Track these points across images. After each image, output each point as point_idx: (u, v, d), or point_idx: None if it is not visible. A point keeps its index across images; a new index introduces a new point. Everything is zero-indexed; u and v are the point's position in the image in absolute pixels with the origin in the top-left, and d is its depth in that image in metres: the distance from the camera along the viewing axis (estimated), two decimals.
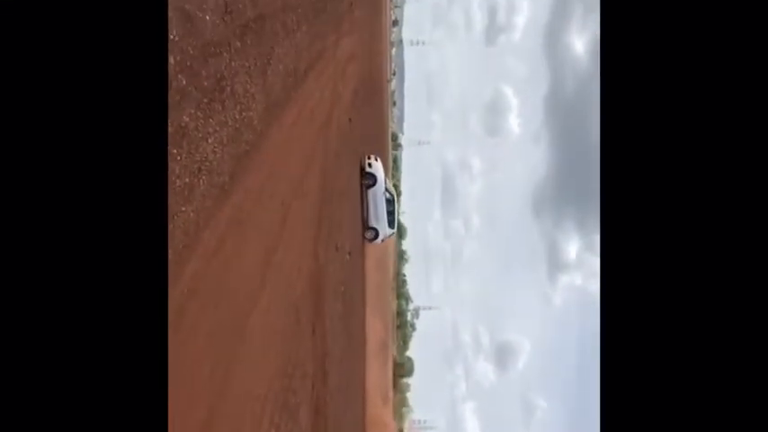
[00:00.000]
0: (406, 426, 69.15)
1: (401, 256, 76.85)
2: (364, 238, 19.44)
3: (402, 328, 73.56)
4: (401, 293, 75.54)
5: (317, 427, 9.77)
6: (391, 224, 19.67)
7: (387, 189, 19.25)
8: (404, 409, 67.70)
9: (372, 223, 19.26)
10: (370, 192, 18.86)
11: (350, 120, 16.32)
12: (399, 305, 73.22)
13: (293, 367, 8.17)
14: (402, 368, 62.90)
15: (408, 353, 76.69)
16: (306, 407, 8.98)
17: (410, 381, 71.14)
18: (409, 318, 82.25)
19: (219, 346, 5.15)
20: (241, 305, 5.90)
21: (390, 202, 19.30)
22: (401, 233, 76.32)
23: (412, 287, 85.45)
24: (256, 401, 6.36)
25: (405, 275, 78.40)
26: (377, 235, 19.62)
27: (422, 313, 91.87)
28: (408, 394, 72.41)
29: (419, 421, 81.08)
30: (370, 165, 18.76)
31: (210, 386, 4.87)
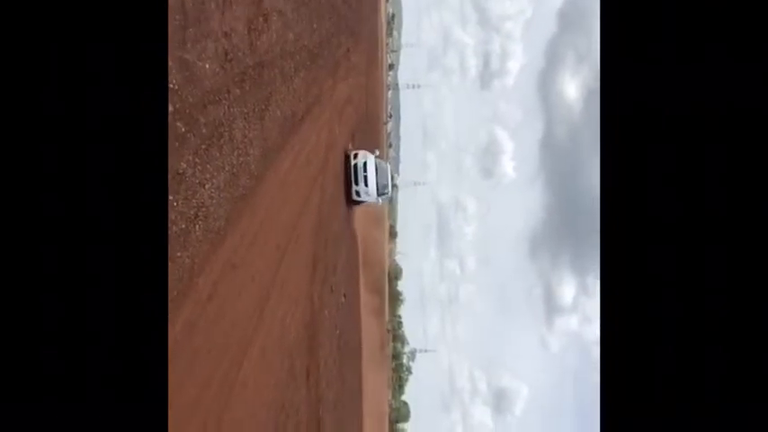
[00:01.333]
0: None
1: (396, 298, 76.25)
2: (350, 195, 17.25)
3: (398, 371, 72.37)
4: (397, 335, 74.62)
5: None
6: (384, 189, 17.67)
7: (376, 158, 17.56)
8: None
9: (353, 186, 17.21)
10: (360, 155, 17.24)
11: (346, 157, 16.54)
12: (395, 348, 72.20)
13: (286, 416, 7.99)
14: (398, 413, 61.58)
15: (404, 397, 75.23)
16: None
17: (406, 426, 69.54)
18: (405, 360, 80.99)
19: (211, 395, 5.04)
20: (234, 351, 5.80)
21: (383, 171, 17.55)
22: (396, 274, 75.92)
23: (407, 329, 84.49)
24: None
25: (400, 317, 77.60)
26: (359, 195, 17.42)
27: (418, 356, 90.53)
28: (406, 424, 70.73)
29: None
30: (355, 155, 17.33)
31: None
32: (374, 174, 17.17)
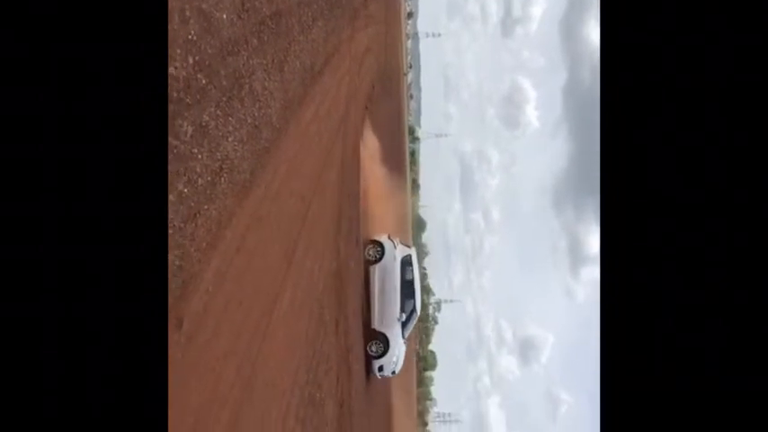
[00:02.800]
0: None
1: (421, 250, 76.81)
2: (366, 351, 11.92)
3: (424, 321, 73.55)
4: (423, 287, 75.57)
5: (342, 421, 9.82)
6: (407, 325, 12.07)
7: (404, 263, 11.98)
8: (427, 402, 67.79)
9: (378, 326, 11.74)
10: (377, 270, 11.73)
11: (366, 107, 16.10)
12: (421, 298, 73.07)
13: (317, 362, 8.21)
14: (425, 361, 62.89)
15: (431, 346, 76.70)
16: (331, 401, 9.02)
17: (433, 374, 71.20)
18: (431, 311, 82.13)
19: (244, 342, 5.18)
20: (264, 301, 5.93)
21: (410, 284, 11.95)
22: (421, 227, 76.12)
23: (433, 280, 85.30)
24: (282, 397, 6.40)
25: (425, 268, 78.29)
26: (386, 349, 11.78)
27: (444, 306, 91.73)
28: (432, 387, 72.48)
29: (443, 414, 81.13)
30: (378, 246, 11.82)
31: (237, 383, 4.90)
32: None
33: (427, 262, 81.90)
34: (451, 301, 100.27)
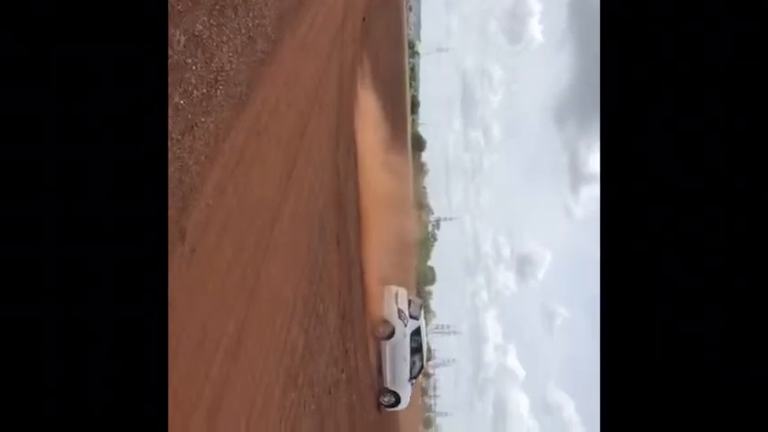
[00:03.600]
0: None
1: (420, 168, 76.64)
2: (379, 402, 13.58)
3: (423, 239, 74.69)
4: (422, 205, 76.05)
5: (344, 331, 10.20)
6: (416, 374, 14.05)
7: (414, 334, 13.71)
8: (427, 316, 70.31)
9: (390, 385, 13.54)
10: (388, 345, 13.42)
11: (364, 19, 15.44)
12: (420, 217, 73.91)
13: (319, 275, 8.42)
14: (425, 277, 64.49)
15: (430, 262, 78.36)
16: (333, 313, 9.34)
17: (432, 288, 73.22)
18: (430, 228, 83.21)
19: (246, 254, 5.29)
20: (265, 215, 6.00)
21: (418, 348, 13.76)
22: (420, 145, 75.59)
23: (432, 199, 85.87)
24: (286, 307, 6.62)
25: (425, 187, 78.56)
26: (397, 401, 13.76)
27: (442, 224, 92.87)
28: (431, 301, 74.78)
29: (442, 326, 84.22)
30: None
31: (241, 293, 5.06)
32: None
33: (427, 181, 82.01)
34: (450, 219, 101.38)
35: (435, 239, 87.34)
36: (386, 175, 14.54)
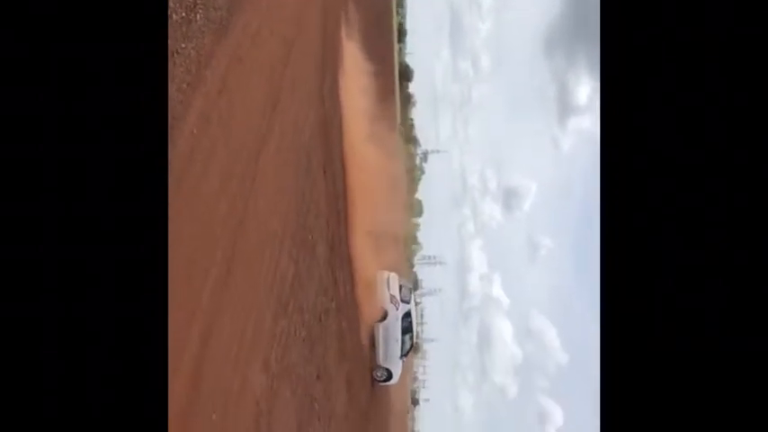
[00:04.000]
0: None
1: (408, 100, 75.40)
2: (372, 377, 15.01)
3: (411, 171, 74.59)
4: (409, 138, 75.46)
5: (333, 261, 10.35)
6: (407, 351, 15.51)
7: (404, 316, 15.04)
8: (413, 246, 71.25)
9: (383, 363, 14.95)
10: (381, 326, 14.66)
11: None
12: (407, 149, 73.49)
13: (307, 207, 8.43)
14: (412, 209, 64.95)
15: (417, 195, 78.69)
16: (322, 243, 9.43)
17: (419, 220, 73.94)
18: (418, 161, 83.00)
19: (233, 184, 5.26)
20: (251, 145, 5.93)
21: (408, 329, 15.06)
22: (408, 76, 74.06)
23: (420, 131, 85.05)
24: (275, 238, 6.67)
25: (412, 119, 77.65)
26: (389, 376, 15.21)
27: (430, 157, 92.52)
28: (418, 233, 75.67)
29: (428, 257, 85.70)
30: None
31: (229, 223, 5.06)
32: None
33: (414, 112, 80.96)
34: (438, 151, 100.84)
35: (423, 172, 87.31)
36: (371, 108, 14.50)
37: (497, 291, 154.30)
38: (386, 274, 15.12)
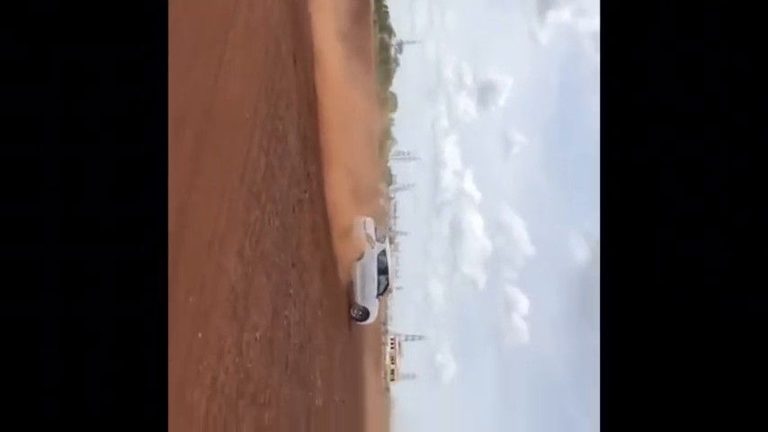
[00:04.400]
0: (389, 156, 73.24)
1: None
2: (349, 315, 15.60)
3: (385, 63, 72.50)
4: (384, 27, 72.48)
5: (305, 155, 10.25)
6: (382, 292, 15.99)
7: (380, 255, 15.38)
8: (388, 141, 70.93)
9: (360, 301, 15.45)
10: (358, 265, 15.08)
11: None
12: (382, 39, 70.87)
13: (277, 96, 8.19)
14: (386, 104, 63.90)
15: (392, 88, 77.09)
16: (293, 134, 9.27)
17: (393, 115, 73.05)
18: (392, 53, 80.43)
19: (200, 64, 5.03)
20: (217, 26, 5.62)
21: (384, 269, 15.43)
22: None
23: (395, 20, 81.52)
24: (244, 126, 6.50)
25: (386, 7, 74.08)
26: (366, 315, 15.76)
27: (405, 48, 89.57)
28: (392, 128, 75.07)
29: (402, 152, 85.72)
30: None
31: (195, 108, 4.88)
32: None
33: (389, 0, 77.12)
34: (413, 42, 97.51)
35: (398, 64, 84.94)
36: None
37: (470, 186, 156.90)
38: (362, 218, 15.52)
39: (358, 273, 15.15)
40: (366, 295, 15.27)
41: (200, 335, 4.23)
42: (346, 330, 14.90)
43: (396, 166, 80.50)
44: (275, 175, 7.52)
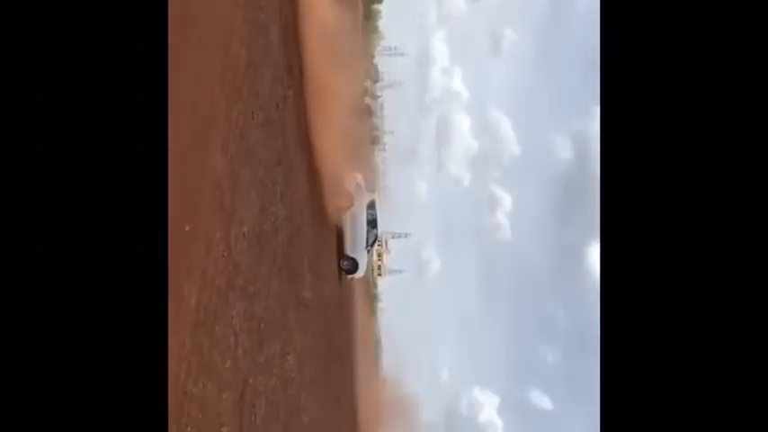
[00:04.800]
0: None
1: None
2: (339, 267, 15.44)
3: None
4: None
5: (287, 49, 9.94)
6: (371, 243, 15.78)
7: (369, 207, 15.13)
8: (375, 36, 68.34)
9: (350, 252, 15.26)
10: (348, 215, 14.87)
11: None
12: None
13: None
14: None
15: None
16: (275, 28, 8.94)
17: (381, 8, 69.77)
18: None
19: None
20: None
21: (373, 222, 15.24)
22: None
23: None
24: (223, 21, 6.26)
25: None
26: (355, 267, 15.57)
27: None
28: (380, 22, 72.01)
29: (389, 48, 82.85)
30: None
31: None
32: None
33: None
34: None
35: None
36: None
37: (458, 84, 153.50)
38: (352, 174, 15.45)
39: (348, 223, 15.19)
40: (356, 246, 15.32)
41: (187, 228, 4.34)
42: (334, 229, 15.18)
43: (383, 63, 78.05)
44: (257, 69, 7.37)
